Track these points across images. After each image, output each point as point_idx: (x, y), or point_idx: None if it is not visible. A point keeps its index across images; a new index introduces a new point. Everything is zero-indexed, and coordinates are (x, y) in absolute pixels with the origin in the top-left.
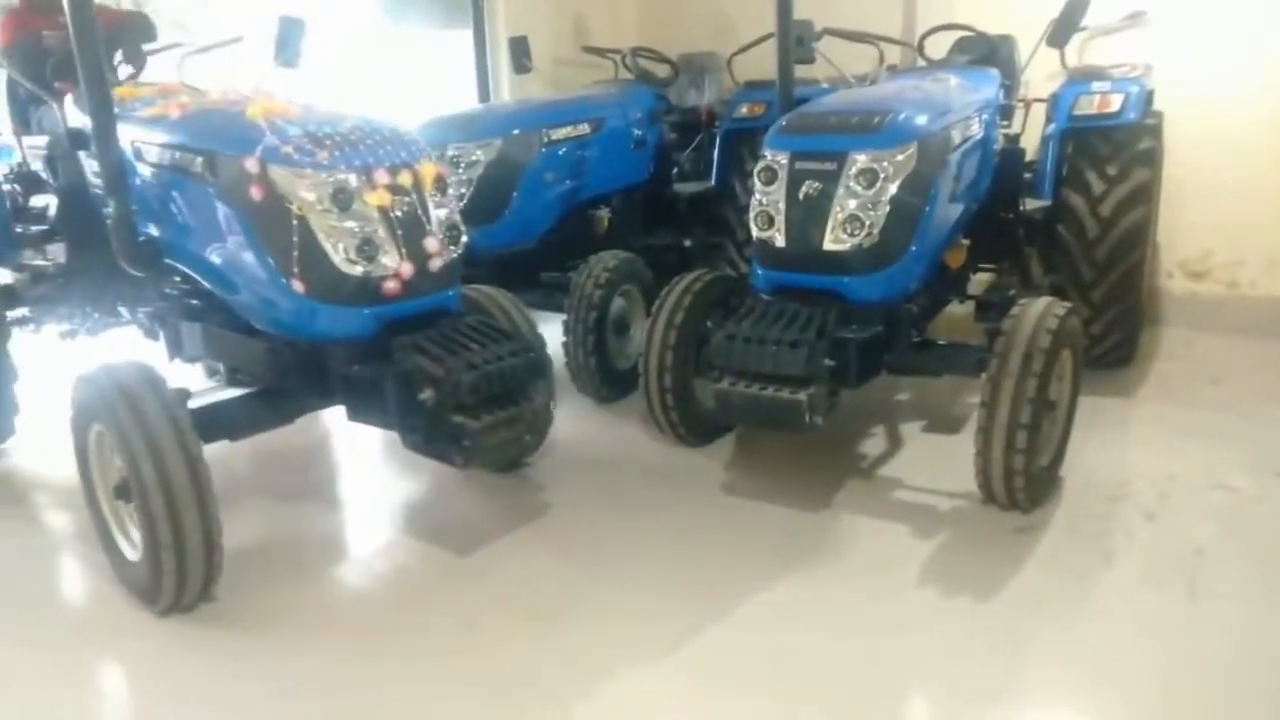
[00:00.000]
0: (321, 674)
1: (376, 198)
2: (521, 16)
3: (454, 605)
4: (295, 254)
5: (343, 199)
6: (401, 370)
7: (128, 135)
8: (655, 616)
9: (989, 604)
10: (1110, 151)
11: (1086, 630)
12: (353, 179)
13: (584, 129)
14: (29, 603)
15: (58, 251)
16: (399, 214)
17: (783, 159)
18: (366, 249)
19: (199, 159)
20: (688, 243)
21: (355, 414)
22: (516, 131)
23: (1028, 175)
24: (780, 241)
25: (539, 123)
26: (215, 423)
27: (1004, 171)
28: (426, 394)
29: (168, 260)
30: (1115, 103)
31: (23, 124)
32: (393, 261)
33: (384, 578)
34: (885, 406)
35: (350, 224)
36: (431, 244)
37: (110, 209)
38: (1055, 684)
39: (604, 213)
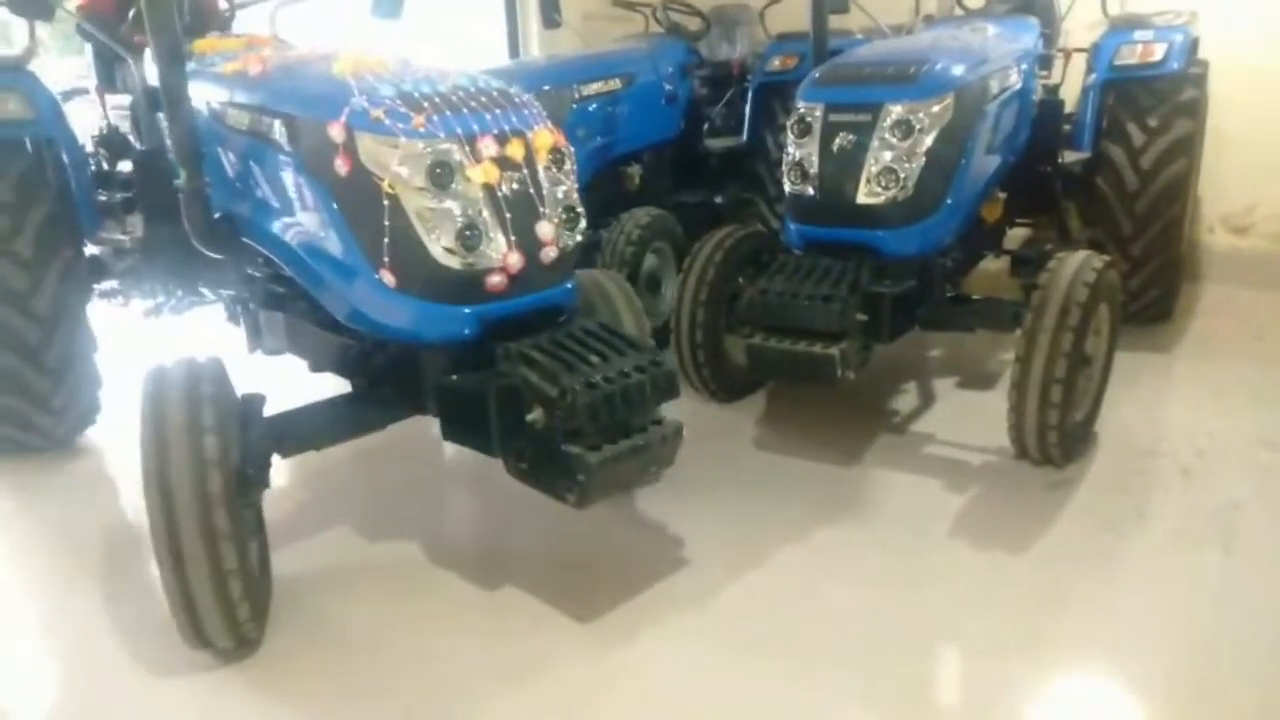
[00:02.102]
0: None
1: (481, 173)
2: None
3: (480, 554)
4: (385, 240)
5: (442, 175)
6: (506, 385)
7: (203, 94)
8: (685, 569)
9: (1021, 558)
10: (1152, 102)
11: (1120, 584)
12: (454, 150)
13: (615, 85)
14: (98, 596)
15: (136, 223)
16: (507, 193)
17: (817, 111)
18: (469, 236)
19: (277, 123)
20: (719, 199)
21: (450, 432)
22: (547, 88)
23: (1067, 127)
24: (813, 195)
25: (569, 79)
26: (295, 433)
27: (1042, 123)
28: (535, 415)
29: (245, 240)
30: (1158, 52)
31: (108, 82)
32: (499, 251)
33: (407, 530)
34: (918, 362)
35: (450, 205)
36: (545, 230)
37: (181, 179)
38: (1088, 637)
39: (635, 169)
